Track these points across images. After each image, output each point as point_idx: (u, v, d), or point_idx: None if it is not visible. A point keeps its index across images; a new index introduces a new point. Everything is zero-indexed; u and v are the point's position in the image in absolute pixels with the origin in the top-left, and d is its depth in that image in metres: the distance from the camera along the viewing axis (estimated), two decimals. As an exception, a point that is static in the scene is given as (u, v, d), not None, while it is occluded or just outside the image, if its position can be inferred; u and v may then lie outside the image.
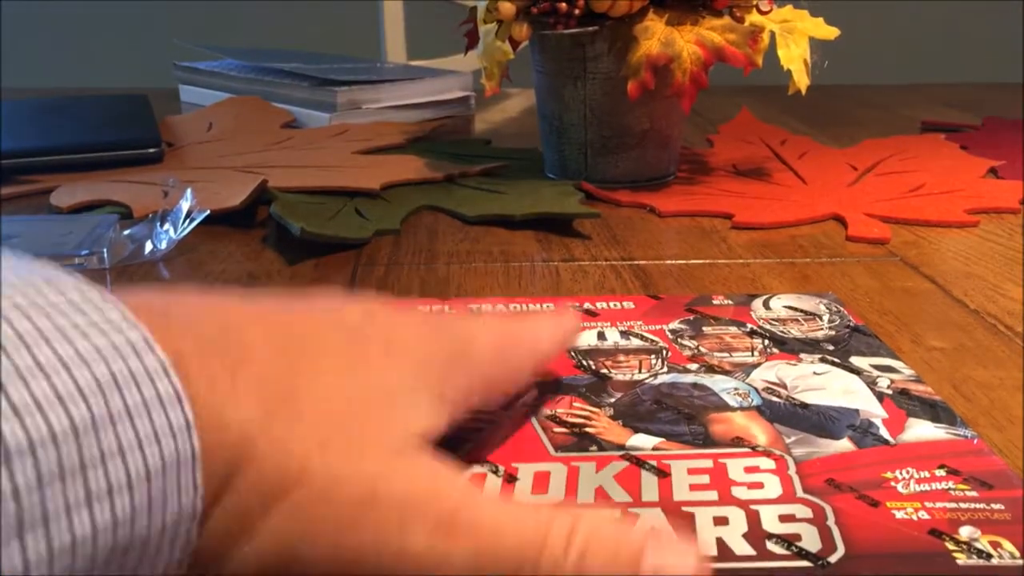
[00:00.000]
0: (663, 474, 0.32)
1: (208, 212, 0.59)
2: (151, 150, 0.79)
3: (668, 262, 0.58)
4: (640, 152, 0.72)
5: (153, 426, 0.19)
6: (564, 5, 0.66)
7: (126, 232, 0.59)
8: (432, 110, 1.01)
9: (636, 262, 0.58)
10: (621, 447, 0.34)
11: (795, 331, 0.45)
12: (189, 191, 0.59)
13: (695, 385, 0.39)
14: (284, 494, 0.22)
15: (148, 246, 0.57)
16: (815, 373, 0.40)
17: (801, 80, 0.69)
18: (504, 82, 0.75)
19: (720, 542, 0.29)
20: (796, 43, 0.68)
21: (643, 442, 0.35)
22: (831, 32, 0.70)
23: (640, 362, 0.41)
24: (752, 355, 0.42)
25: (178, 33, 1.34)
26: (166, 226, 0.58)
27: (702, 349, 0.43)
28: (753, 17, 0.68)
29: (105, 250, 0.56)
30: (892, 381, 0.40)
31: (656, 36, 0.66)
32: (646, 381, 0.40)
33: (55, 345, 0.18)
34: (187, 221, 0.58)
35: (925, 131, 0.96)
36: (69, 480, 0.17)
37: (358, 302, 0.30)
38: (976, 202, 0.69)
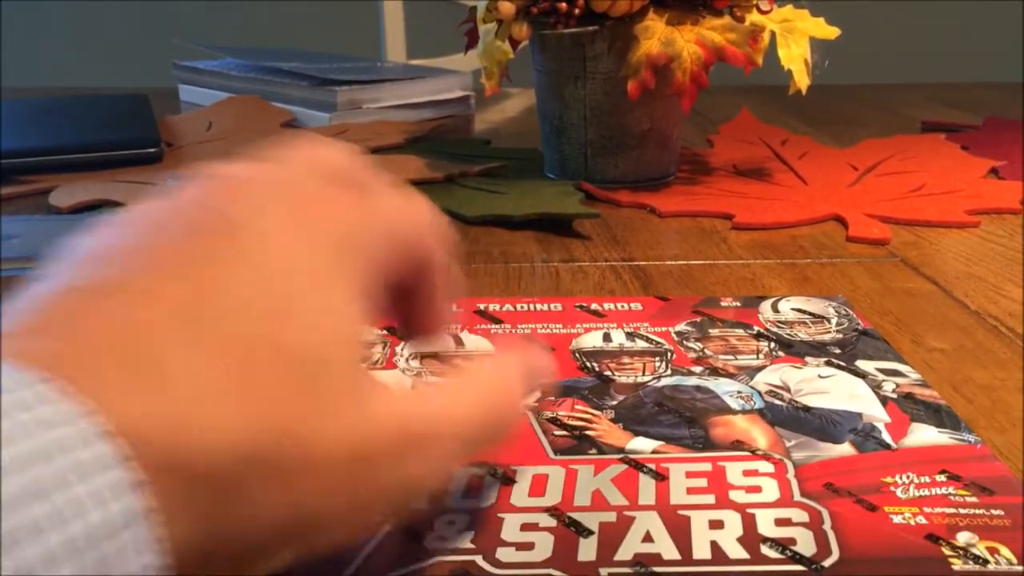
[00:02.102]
0: (661, 477, 0.32)
1: (207, 213, 0.59)
2: (151, 150, 0.79)
3: (668, 262, 0.57)
4: (640, 152, 0.72)
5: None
6: (564, 5, 0.66)
7: (125, 233, 0.59)
8: (432, 110, 1.01)
9: (636, 262, 0.57)
10: (620, 450, 0.34)
11: (802, 334, 0.45)
12: (188, 191, 0.59)
13: (698, 388, 0.39)
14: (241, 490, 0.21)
15: (147, 247, 0.57)
16: (820, 376, 0.40)
17: (801, 80, 0.68)
18: (504, 82, 0.75)
19: (714, 545, 0.29)
20: (796, 43, 0.68)
21: (643, 445, 0.35)
22: (831, 32, 0.70)
23: (644, 364, 0.41)
24: (757, 358, 0.42)
25: (178, 33, 1.33)
26: (165, 227, 0.58)
27: (707, 352, 0.43)
28: (753, 17, 0.68)
29: (104, 251, 0.56)
30: (897, 385, 0.39)
31: (656, 36, 0.66)
32: (649, 383, 0.40)
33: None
34: (186, 222, 0.58)
35: (925, 131, 0.96)
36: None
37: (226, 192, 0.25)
38: (977, 202, 0.69)
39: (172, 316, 0.21)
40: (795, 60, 0.68)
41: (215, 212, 0.24)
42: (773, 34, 0.68)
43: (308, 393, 0.22)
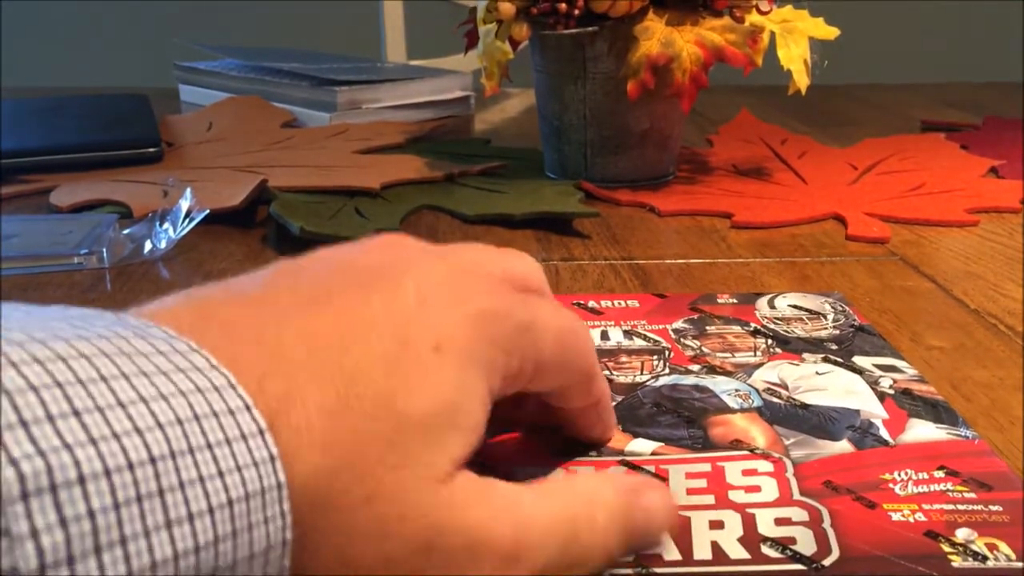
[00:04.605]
0: (660, 479, 0.32)
1: (208, 211, 0.59)
2: (151, 150, 0.79)
3: (668, 261, 0.57)
4: (640, 152, 0.72)
5: (234, 457, 0.20)
6: (564, 5, 0.66)
7: (126, 231, 0.59)
8: (432, 110, 1.01)
9: (636, 261, 0.58)
10: (620, 452, 0.34)
11: (799, 330, 0.45)
12: (189, 190, 0.59)
13: (696, 387, 0.39)
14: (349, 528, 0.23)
15: (148, 245, 0.57)
16: (817, 373, 0.40)
17: (801, 80, 0.69)
18: (504, 82, 0.75)
19: (715, 546, 0.29)
20: (796, 43, 0.68)
21: (642, 447, 0.35)
22: (831, 32, 0.70)
23: (642, 363, 0.41)
24: (755, 355, 0.42)
25: (178, 33, 1.34)
26: (165, 225, 0.58)
27: (705, 349, 0.43)
28: (753, 17, 0.68)
29: (104, 249, 0.56)
30: (895, 381, 0.40)
31: (656, 36, 0.66)
32: (647, 383, 0.40)
33: (135, 382, 0.20)
34: (187, 220, 0.58)
35: (925, 131, 0.96)
36: (147, 504, 0.18)
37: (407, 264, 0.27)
38: (976, 201, 0.69)
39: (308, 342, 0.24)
40: (795, 60, 0.68)
41: (390, 263, 0.27)
42: (773, 34, 0.68)
43: (393, 448, 0.23)
